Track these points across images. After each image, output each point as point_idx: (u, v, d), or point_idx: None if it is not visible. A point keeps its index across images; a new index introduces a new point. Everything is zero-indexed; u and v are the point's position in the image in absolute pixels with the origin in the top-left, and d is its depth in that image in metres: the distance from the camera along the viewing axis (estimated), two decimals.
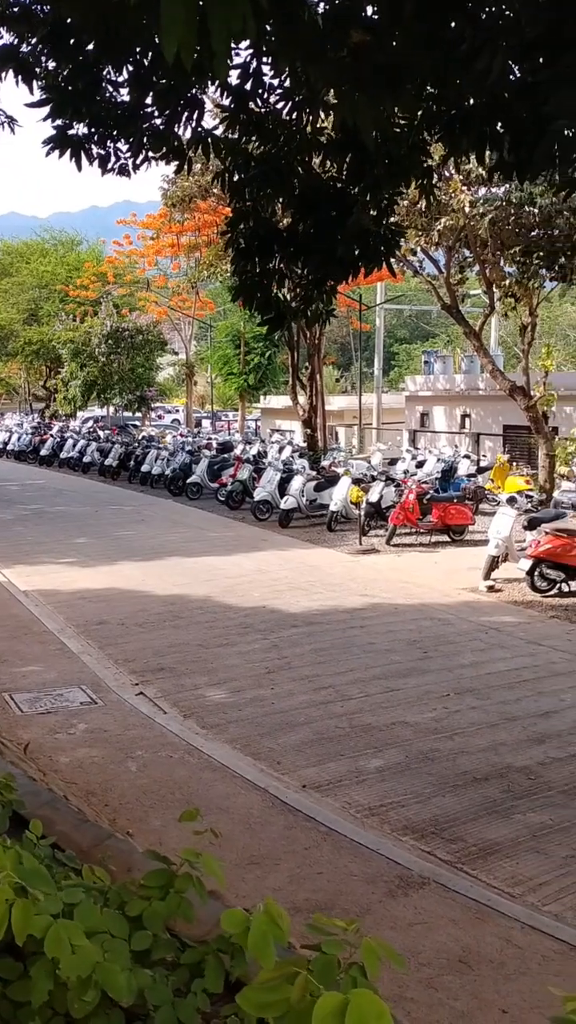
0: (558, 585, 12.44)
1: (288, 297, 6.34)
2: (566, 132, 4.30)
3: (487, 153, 5.01)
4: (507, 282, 18.72)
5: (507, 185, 15.61)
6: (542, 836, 5.59)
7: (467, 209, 16.41)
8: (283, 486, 19.15)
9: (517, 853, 5.38)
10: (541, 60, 4.37)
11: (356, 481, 18.16)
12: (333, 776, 6.47)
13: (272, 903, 1.89)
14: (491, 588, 12.80)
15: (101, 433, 32.91)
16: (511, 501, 13.41)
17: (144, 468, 25.66)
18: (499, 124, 4.74)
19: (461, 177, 16.00)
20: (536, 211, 16.32)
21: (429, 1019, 3.67)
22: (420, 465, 21.13)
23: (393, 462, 22.39)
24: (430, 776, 6.50)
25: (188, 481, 23.07)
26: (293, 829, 5.63)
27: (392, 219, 6.33)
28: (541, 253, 17.33)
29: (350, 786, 6.31)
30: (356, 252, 5.97)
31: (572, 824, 5.75)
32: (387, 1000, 3.54)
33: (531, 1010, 3.74)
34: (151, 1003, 1.78)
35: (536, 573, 12.41)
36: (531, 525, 12.87)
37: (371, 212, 5.91)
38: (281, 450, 24.55)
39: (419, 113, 5.20)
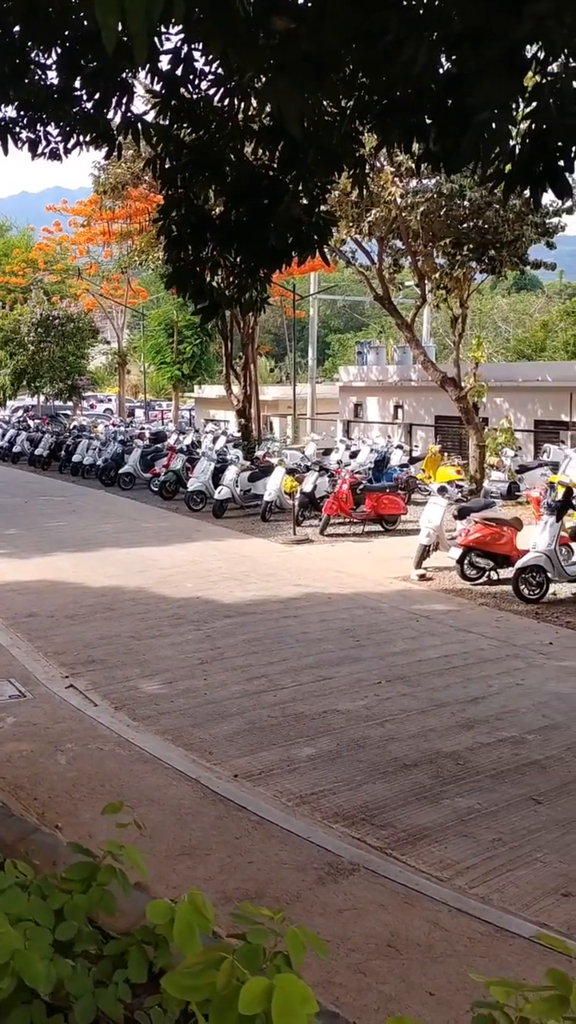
0: (487, 573, 12.64)
1: (222, 285, 6.31)
2: (491, 124, 4.34)
3: (415, 144, 5.03)
4: (438, 274, 18.91)
5: (438, 177, 15.76)
6: (470, 820, 5.68)
7: (398, 200, 16.52)
8: (217, 476, 19.08)
9: (446, 837, 5.46)
10: (466, 52, 4.41)
11: (290, 471, 18.20)
12: (265, 765, 6.48)
13: (197, 893, 1.88)
14: (422, 577, 12.94)
15: (31, 422, 32.42)
16: (442, 491, 13.57)
17: (76, 458, 25.33)
18: (426, 115, 4.76)
19: (392, 168, 16.09)
20: (466, 203, 16.52)
21: (357, 1004, 3.71)
22: (354, 455, 21.23)
23: (327, 452, 22.49)
24: (361, 763, 6.56)
25: (120, 471, 22.84)
26: (224, 819, 5.63)
27: (324, 208, 6.34)
28: (471, 245, 17.54)
29: (282, 775, 6.33)
30: (289, 240, 5.97)
31: (499, 808, 5.86)
32: (315, 986, 3.56)
33: (457, 992, 3.80)
34: (71, 993, 1.76)
35: (466, 561, 12.59)
36: (461, 514, 13.05)
37: (303, 201, 5.91)
38: (215, 440, 24.45)
39: (350, 102, 5.20)
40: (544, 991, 1.75)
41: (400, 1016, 1.63)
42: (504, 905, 4.71)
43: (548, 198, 16.42)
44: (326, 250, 6.21)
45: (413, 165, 6.21)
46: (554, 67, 5.47)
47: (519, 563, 11.75)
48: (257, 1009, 1.57)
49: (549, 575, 11.61)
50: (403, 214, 16.84)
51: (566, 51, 4.94)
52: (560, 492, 12.38)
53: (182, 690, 8.08)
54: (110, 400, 55.62)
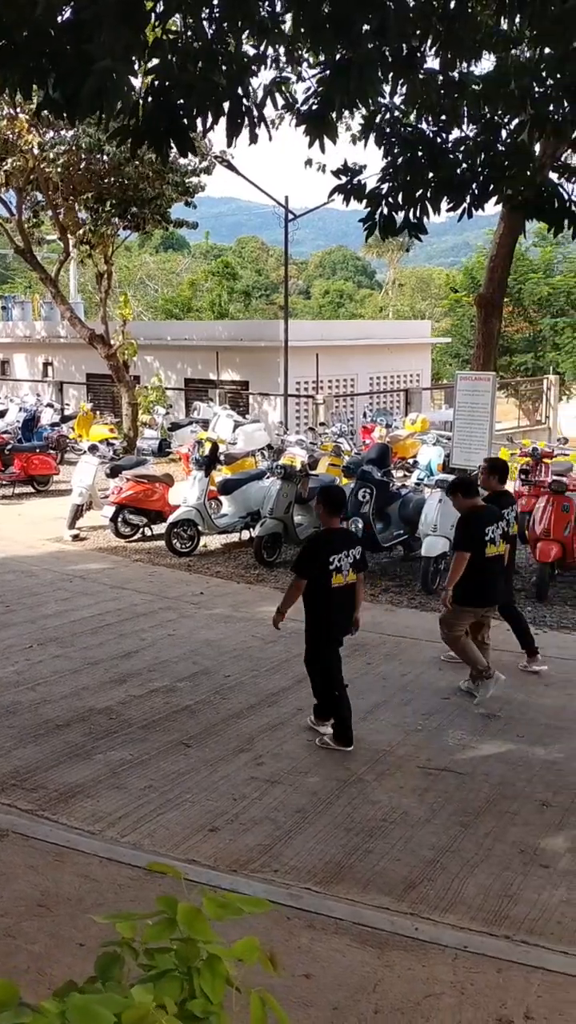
0: (141, 529, 12.78)
1: None
2: (111, 73, 4.29)
3: (35, 89, 4.88)
4: (81, 229, 18.56)
5: (76, 129, 15.40)
6: (122, 772, 5.77)
7: (36, 151, 15.94)
8: None
9: (98, 791, 5.51)
10: None
11: None
12: None
13: None
14: (76, 537, 12.82)
15: None
16: (93, 449, 13.47)
17: None
18: (45, 60, 4.62)
19: (27, 117, 15.46)
20: (105, 158, 16.30)
21: (6, 967, 3.66)
22: (1, 415, 20.41)
23: None
24: (11, 730, 6.41)
25: None
26: None
27: None
28: (113, 200, 17.39)
29: None
30: None
31: (150, 756, 6.01)
32: None
33: (107, 940, 3.88)
34: None
35: (119, 519, 12.64)
36: (114, 472, 13.05)
37: None
38: None
39: None
40: (155, 916, 1.85)
41: None
42: (155, 848, 4.86)
43: (190, 158, 16.66)
44: None
45: (48, 114, 5.97)
46: (176, 22, 5.54)
47: (171, 518, 12.01)
48: None
49: (200, 528, 11.99)
50: (41, 165, 16.27)
51: (185, 6, 5.02)
52: (207, 448, 12.79)
53: None
54: None
